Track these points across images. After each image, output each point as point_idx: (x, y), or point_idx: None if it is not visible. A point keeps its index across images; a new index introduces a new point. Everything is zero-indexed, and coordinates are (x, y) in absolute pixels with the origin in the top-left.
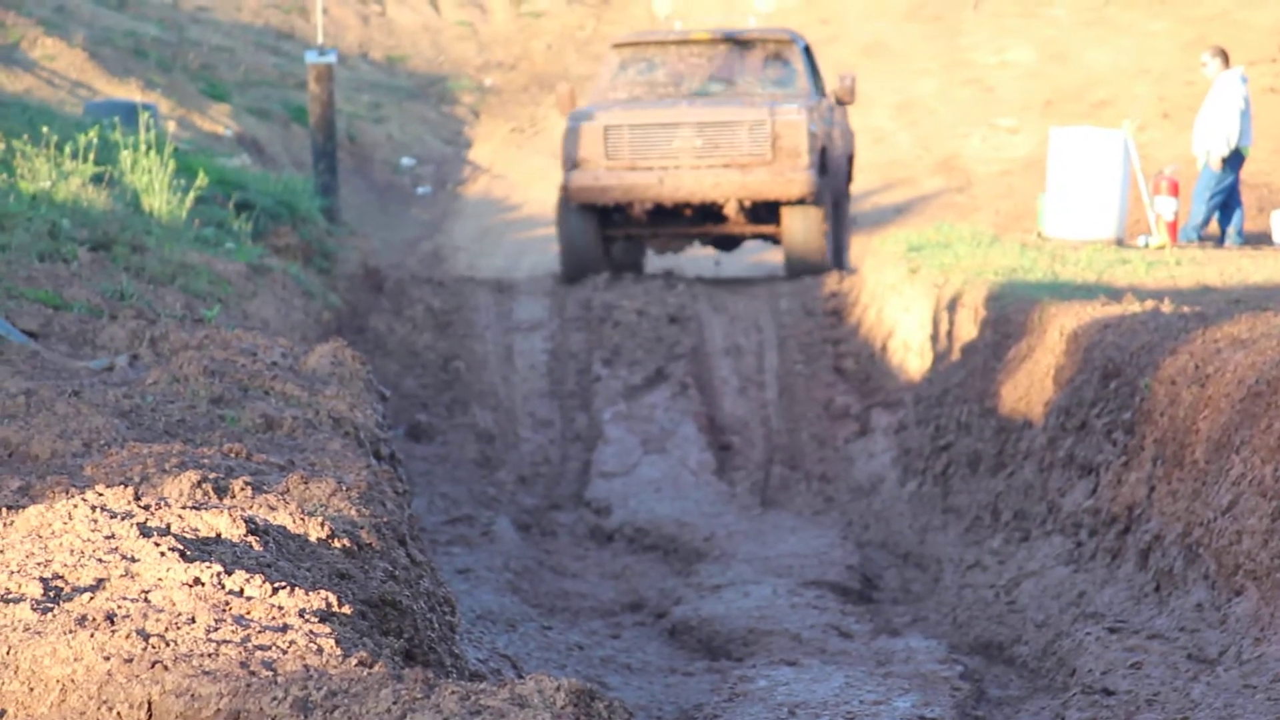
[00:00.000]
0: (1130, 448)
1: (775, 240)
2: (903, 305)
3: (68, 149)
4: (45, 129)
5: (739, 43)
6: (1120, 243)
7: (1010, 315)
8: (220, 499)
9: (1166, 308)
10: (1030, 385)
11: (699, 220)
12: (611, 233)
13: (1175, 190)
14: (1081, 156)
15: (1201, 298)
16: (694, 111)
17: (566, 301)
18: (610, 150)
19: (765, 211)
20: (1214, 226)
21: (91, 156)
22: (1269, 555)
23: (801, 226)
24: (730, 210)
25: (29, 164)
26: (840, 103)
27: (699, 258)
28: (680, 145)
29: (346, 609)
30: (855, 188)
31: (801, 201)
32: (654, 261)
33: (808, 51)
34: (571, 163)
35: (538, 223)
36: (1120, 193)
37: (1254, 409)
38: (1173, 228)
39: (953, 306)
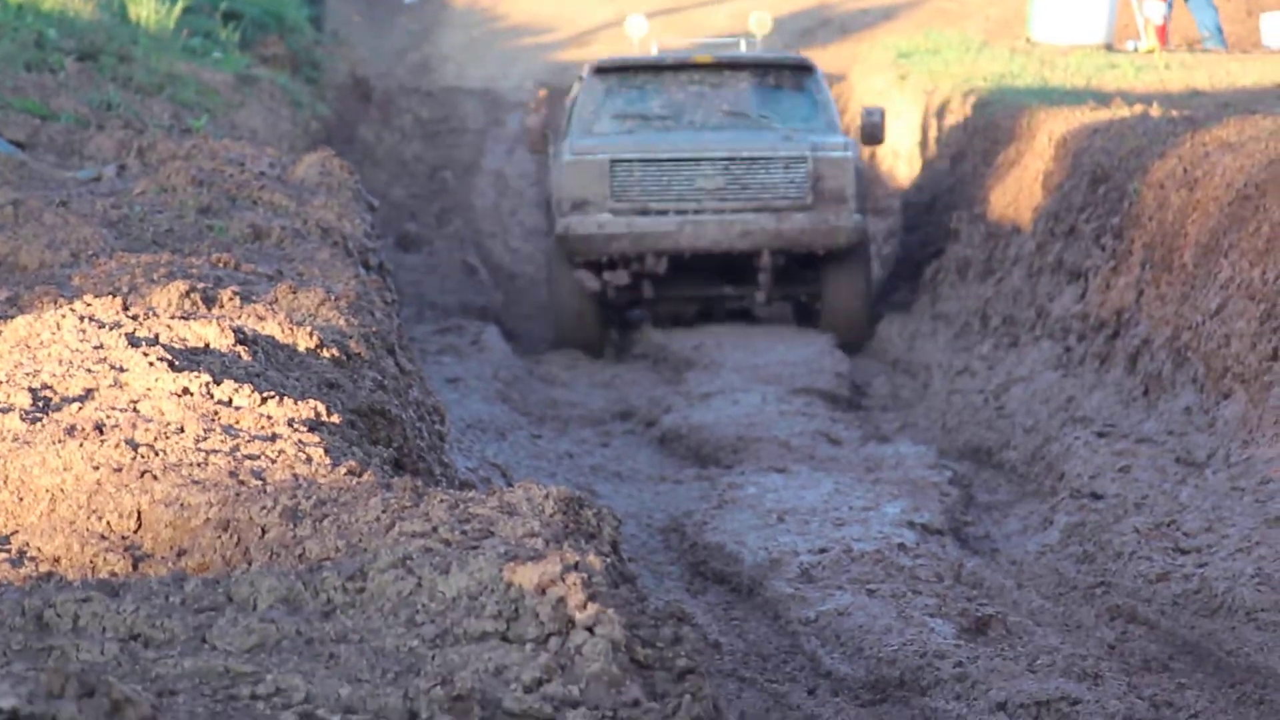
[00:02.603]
0: (1119, 252)
1: (803, 301)
2: (892, 112)
3: None
4: None
5: (749, 68)
6: (1109, 47)
7: (999, 121)
8: (208, 309)
9: (1155, 112)
10: (1019, 191)
11: (721, 278)
12: (614, 292)
13: None
14: None
15: (1190, 102)
16: (719, 143)
17: (555, 109)
18: (617, 190)
19: (799, 268)
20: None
21: None
22: (1257, 358)
23: (847, 284)
24: (762, 266)
25: None
26: (869, 141)
27: None
28: (703, 184)
29: (335, 418)
30: None
31: (847, 254)
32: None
33: (823, 81)
34: (568, 205)
35: (525, 31)
36: None
37: (1242, 212)
38: (1161, 31)
39: (941, 113)
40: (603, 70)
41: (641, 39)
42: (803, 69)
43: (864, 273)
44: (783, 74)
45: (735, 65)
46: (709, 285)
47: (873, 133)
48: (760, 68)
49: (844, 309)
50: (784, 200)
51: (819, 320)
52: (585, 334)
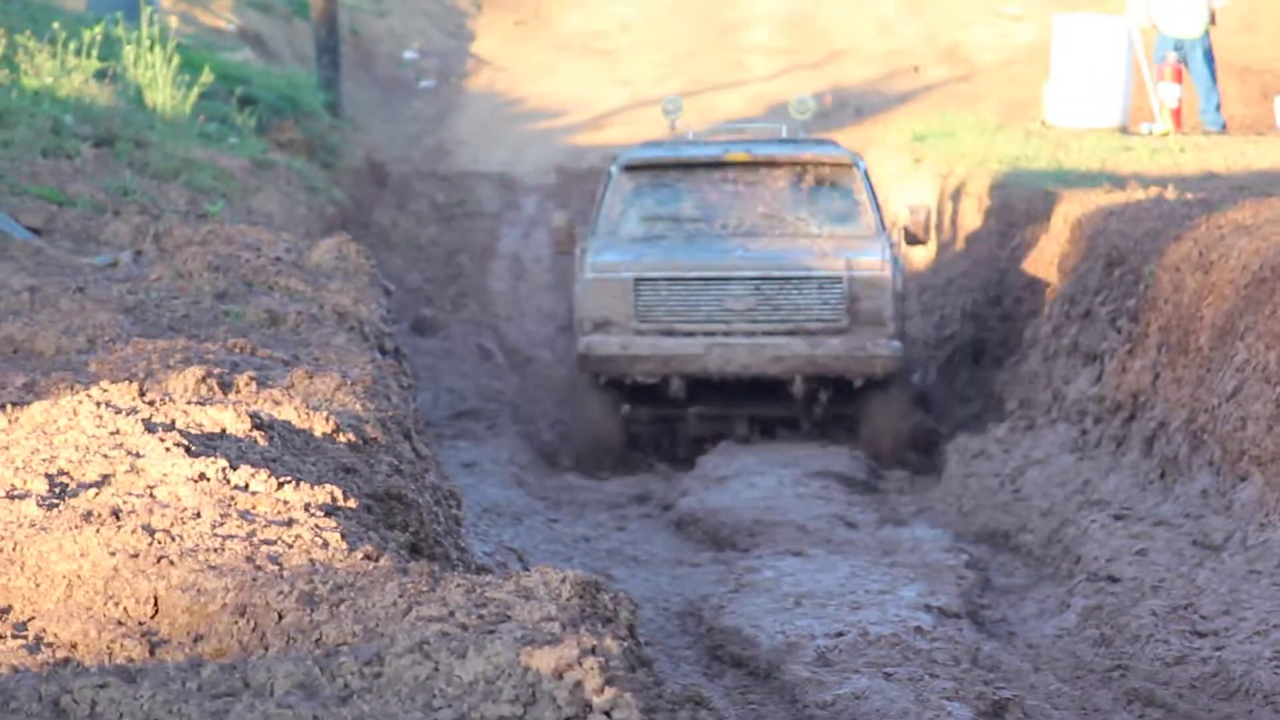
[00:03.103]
0: (1134, 335)
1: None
2: (908, 194)
3: (71, 45)
4: (52, 25)
5: (787, 165)
6: (1124, 130)
7: (1014, 203)
8: (225, 394)
9: (1170, 194)
10: (1034, 274)
11: (750, 399)
12: (638, 414)
13: (1179, 76)
14: (1085, 43)
15: (1206, 184)
16: (749, 261)
17: (572, 194)
18: (642, 310)
19: (834, 391)
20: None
21: (95, 52)
22: (1273, 441)
23: (883, 411)
24: (795, 390)
25: (32, 60)
26: (912, 242)
27: None
28: (732, 305)
29: (352, 503)
30: (858, 77)
31: (885, 382)
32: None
33: (866, 176)
34: (591, 324)
35: (541, 115)
36: (1124, 79)
37: (1258, 295)
38: (1177, 114)
39: (957, 195)
40: (632, 168)
41: (676, 121)
42: (845, 166)
43: (903, 395)
44: (823, 170)
45: (773, 163)
46: (739, 404)
47: (916, 232)
48: (799, 165)
49: (882, 433)
50: (818, 323)
51: (856, 439)
52: (609, 450)
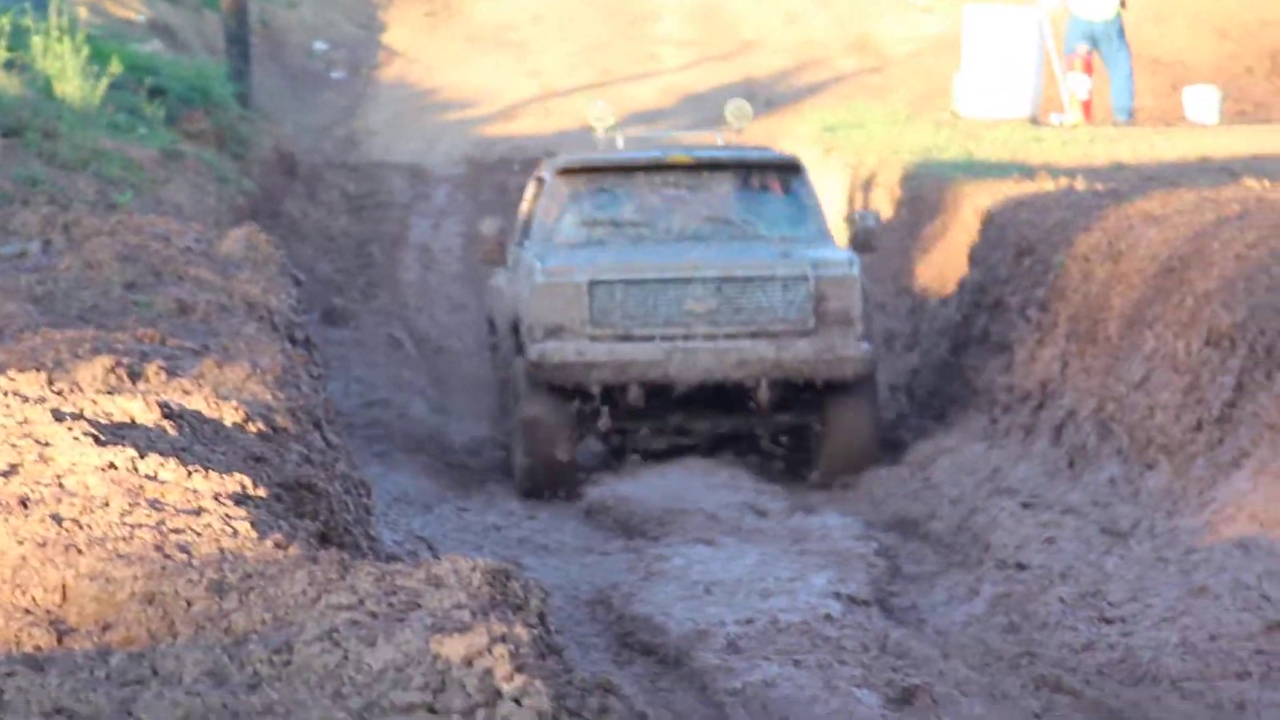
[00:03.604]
0: (1044, 324)
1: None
2: (818, 186)
3: None
4: None
5: (731, 168)
6: (1034, 121)
7: (925, 194)
8: (134, 384)
9: (1080, 185)
10: (945, 264)
11: (711, 409)
12: (590, 426)
13: (1089, 67)
14: (995, 34)
15: (1115, 175)
16: (709, 262)
17: (481, 185)
18: (598, 314)
19: (799, 397)
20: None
21: (2, 43)
22: (1181, 429)
23: (853, 420)
24: (759, 396)
25: None
26: (861, 250)
27: None
28: (693, 307)
29: (261, 492)
30: (768, 68)
31: (854, 384)
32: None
33: (810, 181)
34: (542, 331)
35: (452, 106)
36: (1034, 70)
37: (1166, 284)
38: (1087, 105)
39: (867, 186)
40: (569, 171)
41: (607, 128)
42: (789, 169)
43: (872, 399)
44: (767, 174)
45: (716, 165)
46: (697, 414)
47: (866, 239)
48: (743, 168)
49: (847, 446)
50: (783, 324)
51: (815, 460)
52: (559, 467)
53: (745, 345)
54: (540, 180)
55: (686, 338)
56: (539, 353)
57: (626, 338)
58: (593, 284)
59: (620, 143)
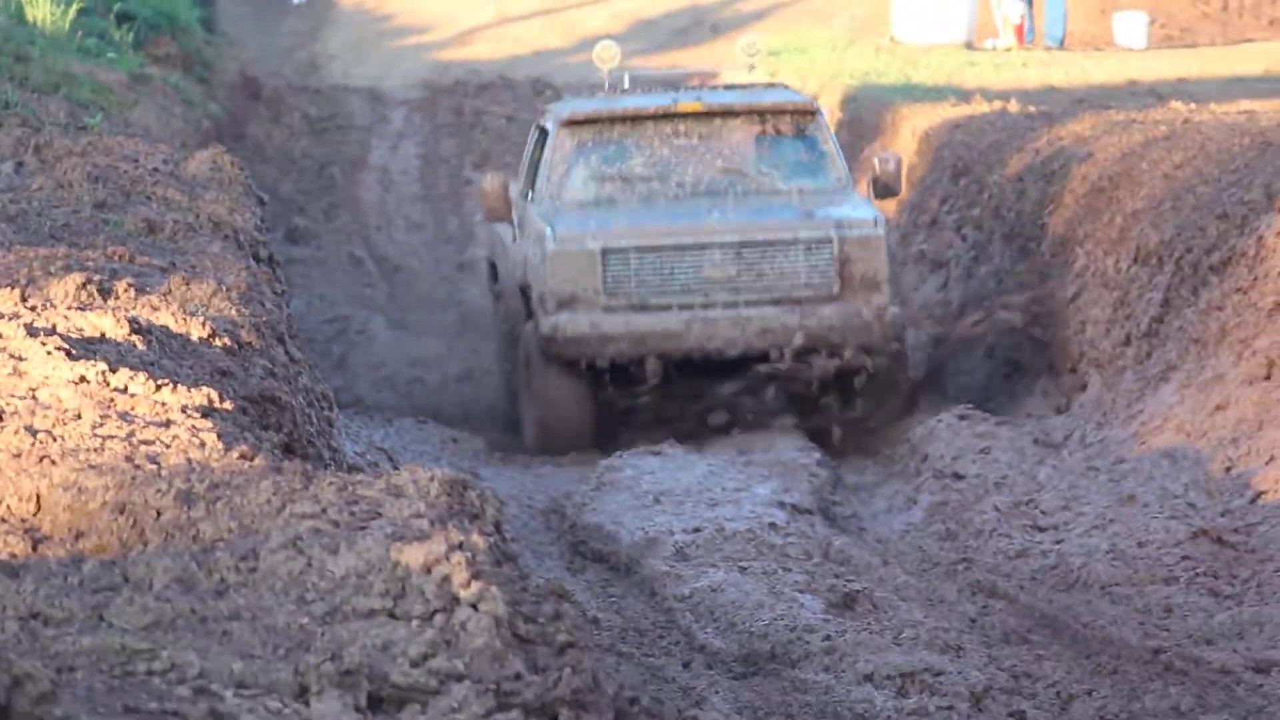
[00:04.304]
0: (980, 243)
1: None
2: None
3: None
4: None
5: (745, 114)
6: (969, 45)
7: (864, 117)
8: (105, 300)
9: (1013, 108)
10: None
11: (733, 379)
12: (608, 400)
13: None
14: None
15: (1047, 98)
16: (728, 225)
17: (438, 108)
18: (611, 284)
19: (828, 363)
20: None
21: None
22: (1110, 344)
23: (883, 388)
24: (783, 366)
25: None
26: (883, 194)
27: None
28: (711, 274)
29: (228, 405)
30: None
31: (881, 352)
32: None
33: (827, 124)
34: (554, 302)
35: (409, 32)
36: None
37: (1096, 204)
38: (1019, 30)
39: None
40: (573, 123)
41: (612, 69)
42: (806, 113)
43: (901, 369)
44: (783, 118)
45: (729, 112)
46: (721, 385)
47: (888, 184)
48: (757, 113)
49: (879, 413)
50: (806, 289)
51: (846, 423)
52: (576, 440)
53: (768, 313)
54: (543, 130)
55: (705, 307)
56: (553, 326)
57: (643, 308)
58: (606, 252)
59: (626, 82)
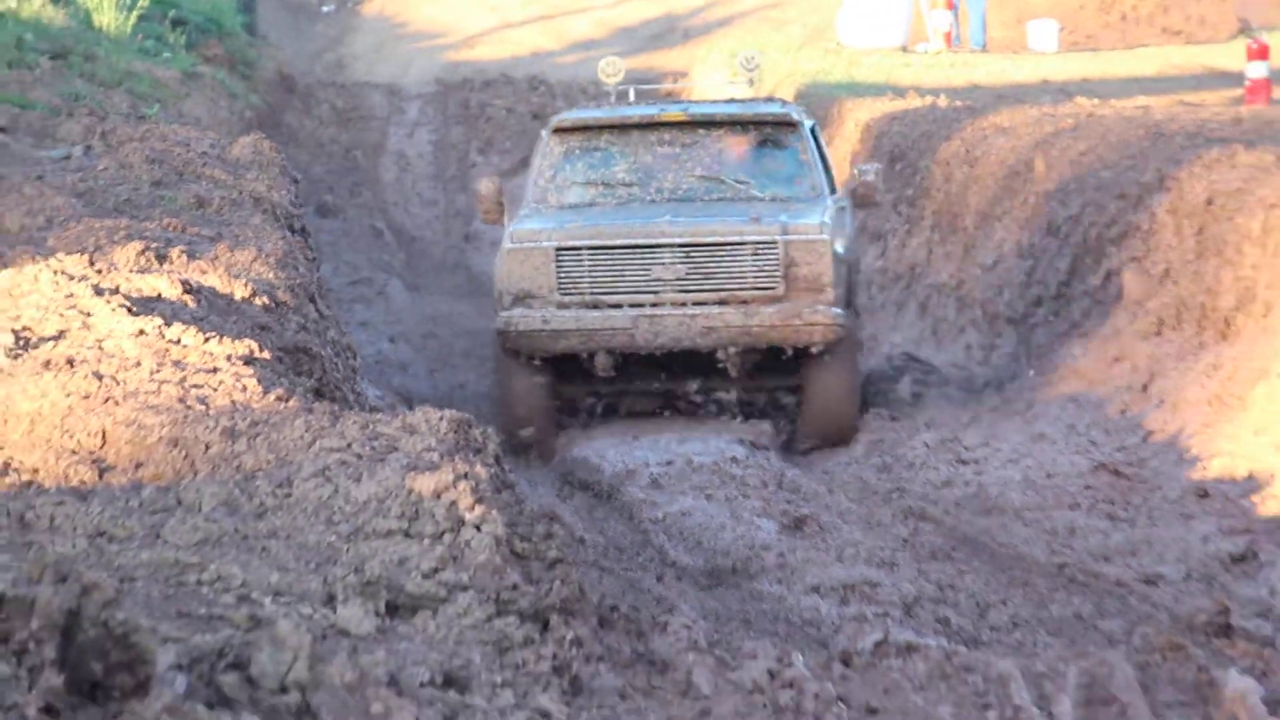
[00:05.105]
0: (913, 218)
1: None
2: (745, 79)
3: None
4: None
5: (727, 124)
6: (904, 49)
7: (814, 110)
8: (160, 265)
9: (942, 103)
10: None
11: (686, 374)
12: (566, 390)
13: (950, 4)
14: None
15: (971, 94)
16: (677, 227)
17: (448, 101)
18: (565, 282)
19: (778, 360)
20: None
21: None
22: (1024, 304)
23: (829, 385)
24: (730, 363)
25: None
26: (862, 204)
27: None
28: (661, 275)
29: (266, 355)
30: (686, 5)
31: (828, 351)
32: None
33: (814, 134)
34: (510, 298)
35: (423, 36)
36: (905, 7)
37: (1013, 185)
38: (947, 36)
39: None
40: (562, 130)
41: (617, 82)
42: (786, 125)
43: (850, 366)
44: (765, 129)
45: (710, 122)
46: (673, 378)
47: (866, 194)
48: (738, 124)
49: (825, 410)
50: (752, 291)
51: (795, 420)
52: (537, 428)
53: (713, 312)
54: (541, 138)
55: (655, 305)
56: (506, 320)
57: (594, 305)
58: (560, 250)
59: (631, 96)
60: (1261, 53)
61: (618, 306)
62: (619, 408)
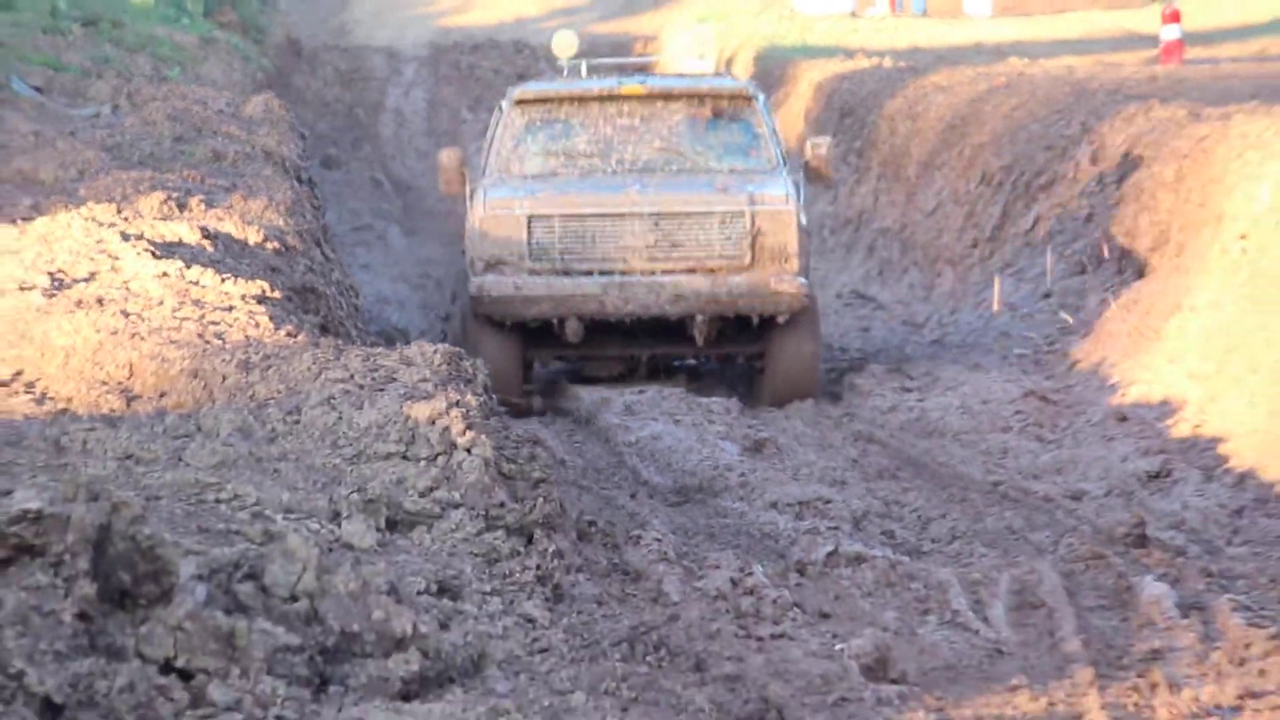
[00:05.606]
0: (860, 168)
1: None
2: (698, 54)
3: None
4: None
5: (685, 98)
6: (853, 15)
7: (772, 71)
8: (181, 213)
9: (887, 64)
10: (787, 123)
11: (653, 339)
12: (536, 354)
13: None
14: None
15: (913, 56)
16: (646, 198)
17: (440, 64)
18: (536, 249)
19: (742, 328)
20: None
21: None
22: (961, 246)
23: (793, 351)
24: (697, 330)
25: None
26: (814, 179)
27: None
28: (630, 243)
29: (277, 294)
30: None
31: (791, 319)
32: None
33: (766, 108)
34: (482, 264)
35: (418, 3)
36: None
37: (951, 138)
38: (892, 3)
39: (730, 64)
40: (524, 102)
41: (570, 58)
42: (742, 98)
43: (813, 333)
44: (721, 102)
45: (669, 95)
46: (640, 344)
47: (819, 170)
48: (695, 97)
49: (789, 372)
50: (720, 259)
51: (760, 383)
52: (507, 392)
53: (682, 280)
54: (500, 109)
55: (624, 273)
56: (479, 286)
57: (565, 272)
58: (531, 219)
59: (584, 71)
60: (1174, 17)
61: (588, 274)
62: (582, 372)
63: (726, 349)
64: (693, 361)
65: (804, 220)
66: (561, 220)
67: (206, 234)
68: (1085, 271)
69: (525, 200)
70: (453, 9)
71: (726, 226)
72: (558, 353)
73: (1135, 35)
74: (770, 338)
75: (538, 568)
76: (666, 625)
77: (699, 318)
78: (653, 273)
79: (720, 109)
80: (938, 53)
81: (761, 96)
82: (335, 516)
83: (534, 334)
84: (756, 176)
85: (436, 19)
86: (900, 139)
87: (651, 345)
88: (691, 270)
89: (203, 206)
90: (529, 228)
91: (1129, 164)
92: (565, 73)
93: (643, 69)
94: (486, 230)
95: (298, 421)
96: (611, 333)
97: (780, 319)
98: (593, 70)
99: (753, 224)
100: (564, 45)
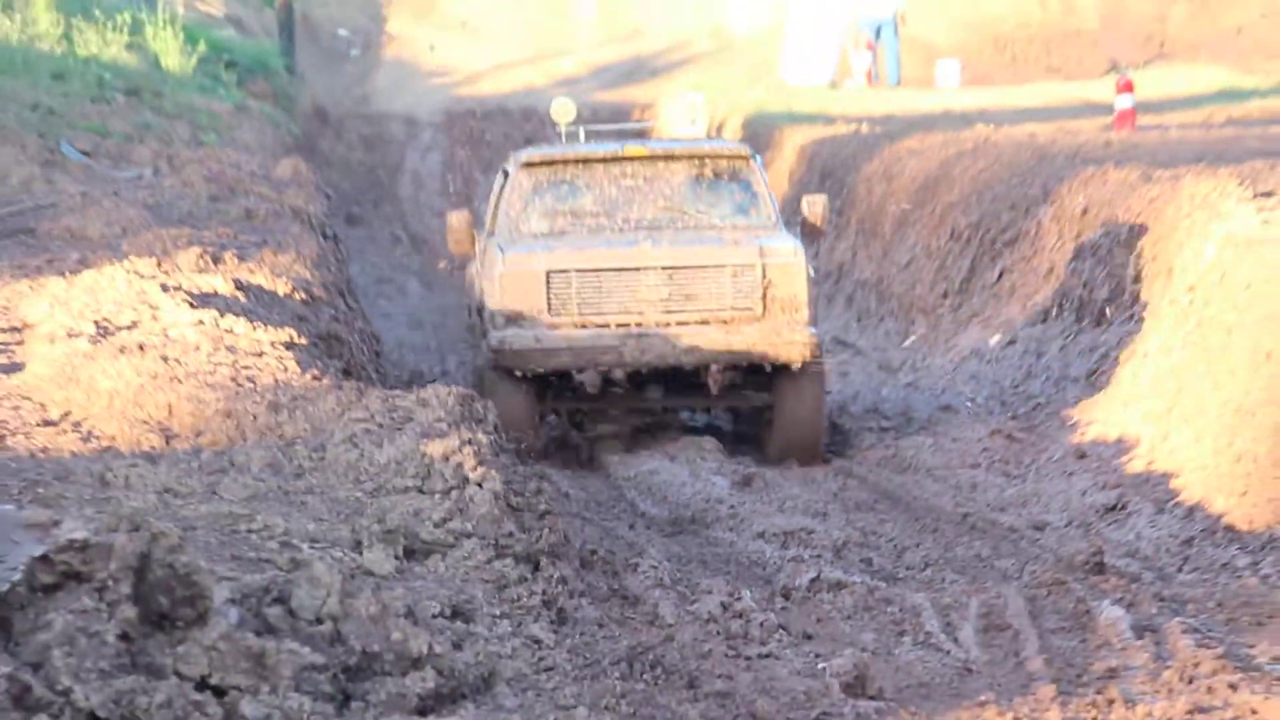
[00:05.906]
0: (840, 224)
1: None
2: (689, 120)
3: (109, 25)
4: (95, 12)
5: (687, 159)
6: (833, 85)
7: (759, 135)
8: (216, 266)
9: (865, 129)
10: (773, 182)
11: (665, 390)
12: (550, 407)
13: (871, 47)
14: (808, 24)
15: (888, 122)
16: (660, 252)
17: (455, 129)
18: (555, 303)
19: (753, 378)
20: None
21: (126, 30)
22: (933, 297)
23: (801, 401)
24: (711, 379)
25: (83, 36)
26: (811, 234)
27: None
28: (645, 296)
29: (304, 341)
30: (652, 47)
31: (802, 368)
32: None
33: (761, 168)
34: (502, 319)
35: (433, 75)
36: (834, 50)
37: (923, 198)
38: (869, 75)
39: (721, 129)
40: (530, 164)
41: (568, 123)
42: (739, 159)
43: (819, 385)
44: (719, 164)
45: (670, 156)
46: (653, 394)
47: (815, 225)
48: (695, 159)
49: (796, 424)
50: (732, 311)
51: (766, 441)
52: (522, 442)
53: (696, 331)
54: (506, 173)
55: (640, 325)
56: (500, 340)
57: (583, 325)
58: (550, 273)
59: (582, 137)
60: (1128, 87)
61: (605, 326)
62: (589, 426)
63: (736, 400)
64: (698, 421)
65: (811, 272)
66: (579, 275)
67: (239, 285)
68: (1047, 320)
69: (543, 255)
70: (465, 79)
71: (739, 279)
72: (571, 405)
73: (1091, 104)
74: (778, 388)
75: (544, 593)
76: (662, 646)
77: (713, 367)
78: (668, 324)
79: (721, 169)
80: (911, 119)
81: (759, 158)
82: (357, 545)
83: (548, 387)
84: (760, 231)
85: (451, 88)
86: (876, 198)
87: (664, 396)
88: (705, 321)
89: (236, 260)
90: (548, 282)
91: (1087, 222)
92: (564, 138)
93: (640, 134)
94: (506, 286)
95: (322, 458)
96: (625, 383)
97: (793, 367)
98: (591, 135)
99: (764, 276)
100: (562, 111)
